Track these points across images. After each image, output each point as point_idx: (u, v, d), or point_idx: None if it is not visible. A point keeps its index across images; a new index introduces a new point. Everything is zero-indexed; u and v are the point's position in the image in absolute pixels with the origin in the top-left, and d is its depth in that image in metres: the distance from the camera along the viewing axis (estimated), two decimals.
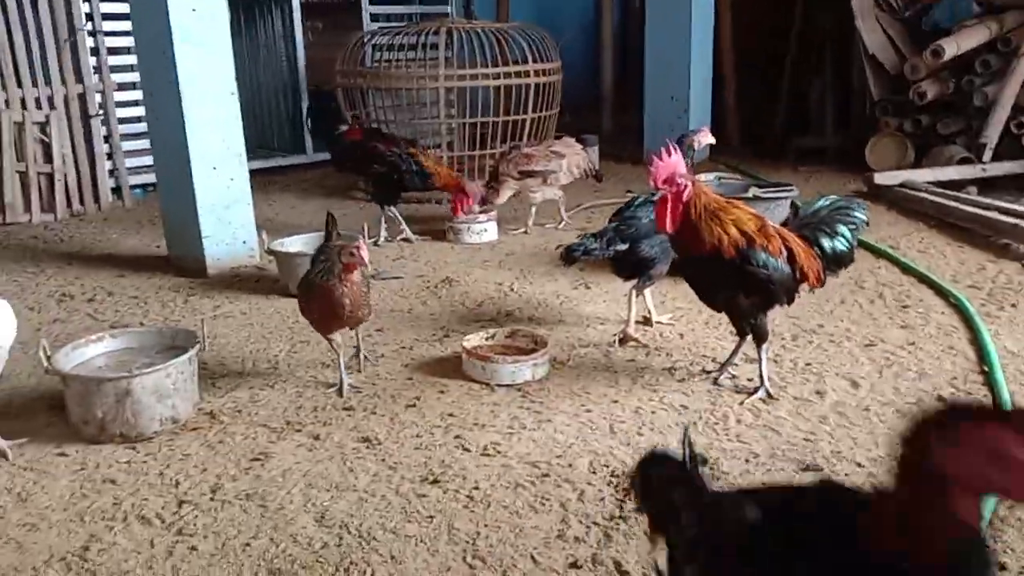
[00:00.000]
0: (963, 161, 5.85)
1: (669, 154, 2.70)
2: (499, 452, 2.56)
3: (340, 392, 2.99)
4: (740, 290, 2.79)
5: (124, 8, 5.43)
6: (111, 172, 6.38)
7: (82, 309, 4.04)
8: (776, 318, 3.63)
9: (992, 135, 5.82)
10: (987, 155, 5.80)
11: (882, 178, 5.76)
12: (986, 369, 2.97)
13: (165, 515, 2.27)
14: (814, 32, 7.96)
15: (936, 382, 2.93)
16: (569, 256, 3.30)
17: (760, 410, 2.78)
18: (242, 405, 2.94)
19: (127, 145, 6.43)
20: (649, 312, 3.61)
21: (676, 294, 4.00)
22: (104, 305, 4.09)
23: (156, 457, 2.59)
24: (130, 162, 6.47)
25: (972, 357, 3.12)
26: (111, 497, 2.36)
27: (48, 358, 2.69)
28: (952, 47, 5.97)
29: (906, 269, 4.20)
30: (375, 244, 4.98)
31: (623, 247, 3.27)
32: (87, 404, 2.64)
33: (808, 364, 3.14)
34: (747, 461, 2.46)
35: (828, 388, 2.92)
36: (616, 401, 2.89)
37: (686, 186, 2.70)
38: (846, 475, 2.34)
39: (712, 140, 4.35)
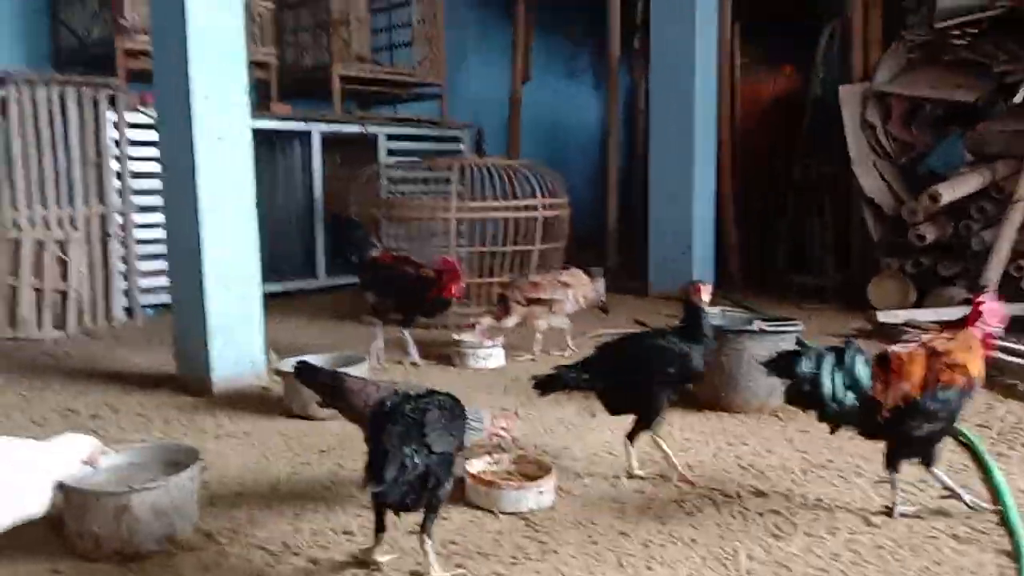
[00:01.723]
0: (965, 302, 5.93)
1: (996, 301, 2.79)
2: None
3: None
4: None
5: (150, 135, 5.68)
6: (125, 292, 6.49)
7: (86, 425, 4.01)
8: (785, 452, 3.60)
9: (992, 278, 5.93)
10: None
11: (885, 316, 5.82)
12: (1000, 508, 2.91)
13: None
14: (814, 175, 8.26)
15: (950, 523, 2.86)
16: (542, 385, 3.27)
17: (771, 546, 2.71)
18: (240, 526, 2.87)
19: (143, 265, 6.57)
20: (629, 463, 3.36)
21: (683, 424, 3.98)
22: (107, 422, 4.07)
23: None
24: (144, 282, 6.59)
25: (985, 496, 3.07)
26: None
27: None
28: (949, 192, 6.18)
29: None
30: (379, 364, 5.03)
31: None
32: (84, 519, 2.59)
33: (819, 500, 3.08)
34: None
35: (840, 525, 2.86)
36: (623, 533, 2.82)
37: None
38: None
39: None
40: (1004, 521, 2.84)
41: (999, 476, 3.19)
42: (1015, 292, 5.97)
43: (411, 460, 2.27)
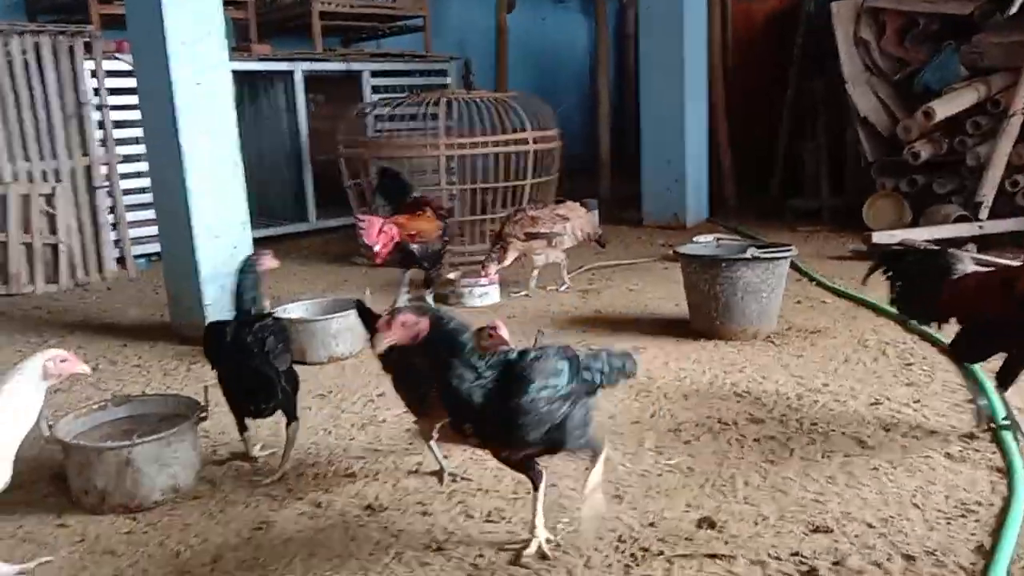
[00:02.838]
0: (960, 219, 5.91)
1: None
2: (503, 518, 2.52)
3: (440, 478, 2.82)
4: None
5: (130, 82, 5.56)
6: (115, 242, 6.45)
7: (84, 379, 4.01)
8: (780, 378, 3.63)
9: (987, 194, 5.89)
10: (984, 213, 5.86)
11: (880, 237, 5.80)
12: (993, 425, 2.94)
13: None
14: (807, 96, 8.14)
15: (944, 442, 2.90)
16: None
17: (767, 471, 2.75)
18: (243, 473, 2.91)
19: (131, 216, 6.52)
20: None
21: (678, 355, 3.99)
22: (106, 375, 4.08)
23: (157, 527, 2.55)
24: (134, 232, 6.54)
25: None
26: (111, 568, 2.32)
27: (49, 427, 2.67)
28: (943, 108, 6.09)
29: (908, 327, 4.20)
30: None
31: None
32: (88, 474, 2.62)
33: (814, 424, 3.11)
34: (756, 523, 2.42)
35: (835, 448, 2.89)
36: (622, 465, 2.86)
37: None
38: (856, 536, 2.30)
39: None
40: (996, 438, 2.87)
41: (991, 391, 3.20)
42: (1013, 208, 5.95)
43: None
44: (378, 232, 4.53)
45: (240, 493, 2.75)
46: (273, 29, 8.52)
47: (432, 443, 2.84)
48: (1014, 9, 6.02)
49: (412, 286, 5.14)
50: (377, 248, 4.52)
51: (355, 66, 8.06)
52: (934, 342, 3.94)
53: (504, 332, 2.63)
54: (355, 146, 6.64)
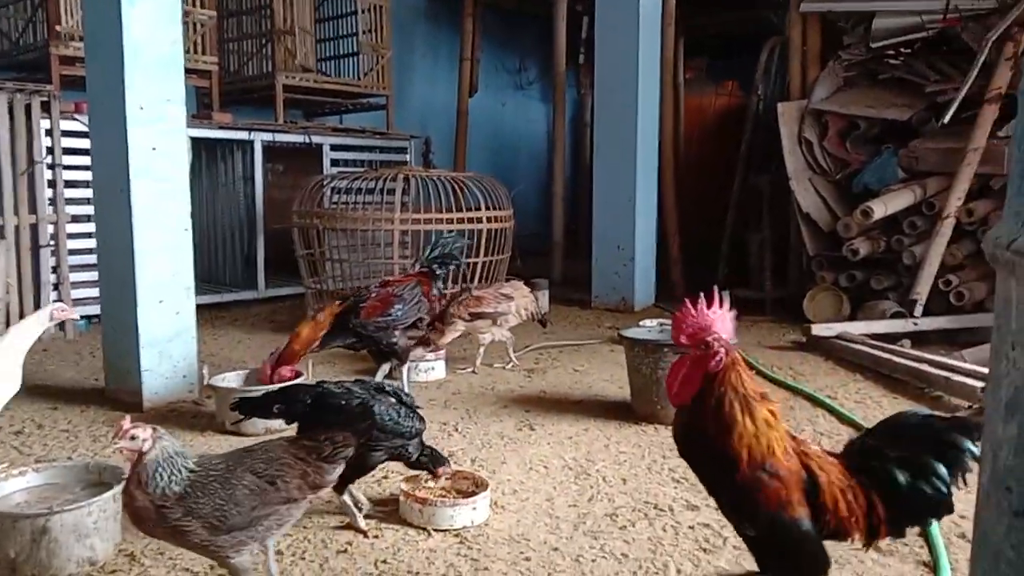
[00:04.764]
0: (896, 315, 6.09)
1: (710, 305, 2.17)
2: None
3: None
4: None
5: (84, 143, 5.54)
6: (55, 302, 6.29)
7: (8, 442, 3.88)
8: None
9: (922, 292, 6.10)
10: (918, 310, 6.05)
11: (819, 330, 5.95)
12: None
13: None
14: (754, 190, 8.42)
15: None
16: (239, 408, 2.85)
17: (700, 560, 2.74)
18: (164, 547, 2.80)
19: (74, 276, 6.39)
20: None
21: (619, 438, 4.00)
22: (32, 438, 3.94)
23: None
24: (76, 293, 6.41)
25: None
26: None
27: None
28: (881, 208, 6.35)
29: (843, 419, 4.28)
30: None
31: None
32: (0, 542, 2.51)
33: None
34: None
35: None
36: (556, 548, 2.83)
37: (717, 352, 2.12)
38: None
39: None
40: (924, 532, 2.91)
41: None
42: (945, 306, 6.16)
43: None
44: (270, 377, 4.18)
45: (160, 569, 2.65)
46: (235, 98, 8.61)
47: (345, 497, 2.95)
48: (947, 118, 6.37)
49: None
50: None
51: (316, 139, 8.15)
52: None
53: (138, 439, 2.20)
54: (310, 216, 6.67)
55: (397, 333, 4.48)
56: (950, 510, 2.10)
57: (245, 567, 2.26)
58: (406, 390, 4.09)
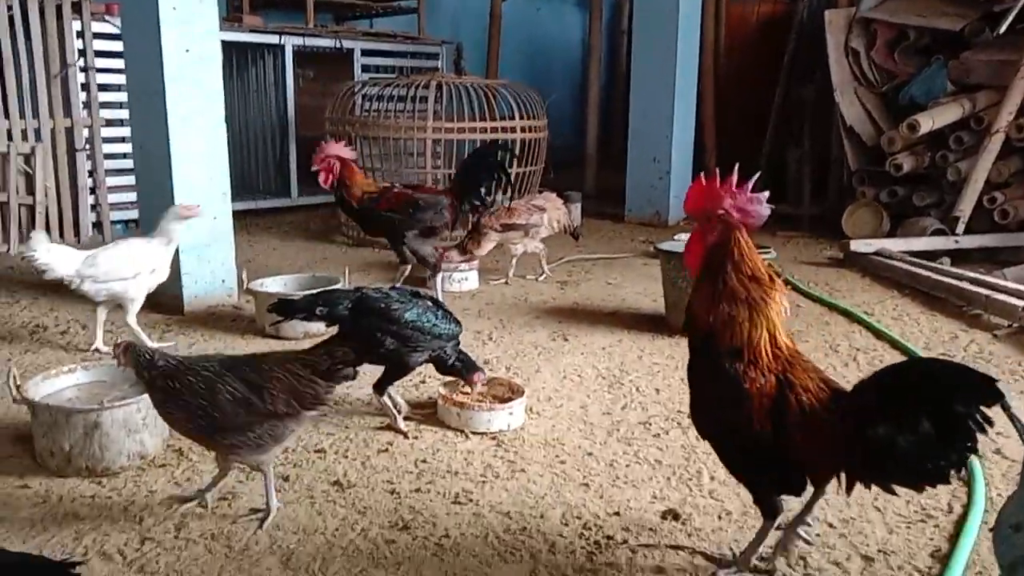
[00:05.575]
0: (937, 233, 5.98)
1: (727, 180, 2.10)
2: (471, 500, 2.53)
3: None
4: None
5: (117, 46, 5.49)
6: (93, 207, 6.37)
7: (55, 341, 3.99)
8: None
9: (965, 209, 5.97)
10: (960, 228, 5.93)
11: (857, 245, 5.86)
12: None
13: (127, 552, 2.21)
14: (796, 102, 8.18)
15: None
16: (279, 309, 2.90)
17: None
18: None
19: (111, 181, 6.43)
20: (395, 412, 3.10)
21: (652, 349, 4.02)
22: (77, 338, 4.04)
23: (121, 492, 2.53)
24: (113, 198, 6.46)
25: None
26: (72, 531, 2.30)
27: (17, 387, 2.65)
28: (928, 122, 6.16)
29: (879, 335, 4.26)
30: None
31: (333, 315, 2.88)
32: (54, 435, 2.60)
33: None
34: (719, 518, 2.45)
35: None
36: (591, 453, 2.88)
37: (716, 226, 2.07)
38: (817, 535, 2.33)
39: None
40: None
41: None
42: (989, 224, 6.02)
43: None
44: (323, 159, 4.76)
45: (208, 463, 2.73)
46: (265, 1, 8.43)
47: (384, 398, 3.04)
48: (1003, 28, 6.09)
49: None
50: (315, 168, 4.81)
51: (347, 44, 8.00)
52: (904, 350, 3.99)
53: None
54: (342, 123, 6.60)
55: (410, 235, 4.76)
56: (942, 480, 1.78)
57: (256, 465, 2.36)
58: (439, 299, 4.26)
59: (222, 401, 2.23)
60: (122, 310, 3.81)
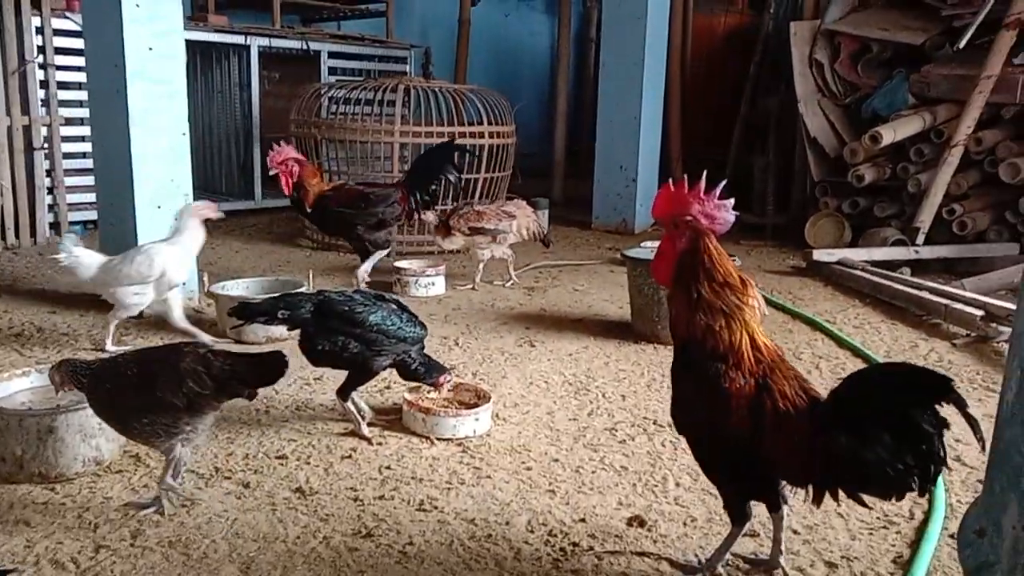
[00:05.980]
0: (897, 243, 6.08)
1: (695, 187, 2.09)
2: (435, 507, 2.50)
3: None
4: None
5: (77, 43, 5.38)
6: (51, 207, 6.23)
7: (8, 344, 3.88)
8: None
9: (925, 220, 6.07)
10: (920, 239, 6.03)
11: (820, 255, 5.93)
12: None
13: (81, 560, 2.15)
14: (761, 113, 8.28)
15: None
16: (240, 313, 2.90)
17: (697, 473, 2.78)
18: None
19: (69, 181, 6.30)
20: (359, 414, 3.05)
21: (619, 356, 4.03)
22: (32, 341, 3.94)
23: (75, 499, 2.47)
24: (72, 198, 6.32)
25: None
26: (24, 539, 2.23)
27: None
28: (889, 134, 6.26)
29: (841, 343, 4.31)
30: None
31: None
32: (5, 440, 2.51)
33: None
34: (685, 524, 2.45)
35: None
36: (557, 460, 2.86)
37: (684, 232, 2.07)
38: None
39: None
40: None
41: None
42: (948, 235, 6.13)
43: None
44: (281, 162, 4.72)
45: None
46: (230, 1, 8.34)
47: (348, 404, 2.99)
48: (963, 43, 6.22)
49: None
50: (272, 172, 4.80)
51: (314, 46, 7.94)
52: (866, 358, 4.04)
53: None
54: (308, 126, 6.54)
55: (362, 229, 4.89)
56: (902, 490, 1.78)
57: (175, 456, 2.39)
58: (367, 277, 4.75)
59: (124, 387, 2.31)
60: (166, 315, 3.95)
